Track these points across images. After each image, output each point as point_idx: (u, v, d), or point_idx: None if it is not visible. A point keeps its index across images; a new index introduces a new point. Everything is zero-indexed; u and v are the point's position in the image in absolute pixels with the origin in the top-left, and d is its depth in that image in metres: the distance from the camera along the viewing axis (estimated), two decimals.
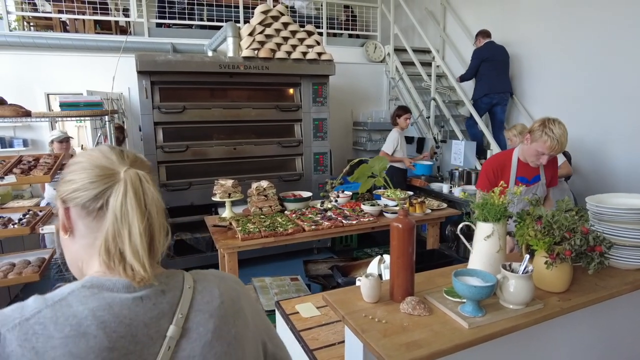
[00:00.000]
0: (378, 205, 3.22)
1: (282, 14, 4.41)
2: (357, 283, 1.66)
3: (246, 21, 4.92)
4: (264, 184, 3.24)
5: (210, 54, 5.01)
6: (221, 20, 5.53)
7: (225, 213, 3.14)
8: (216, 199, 3.13)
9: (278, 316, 1.93)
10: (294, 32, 4.44)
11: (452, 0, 6.13)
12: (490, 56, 4.89)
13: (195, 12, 5.69)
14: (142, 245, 0.70)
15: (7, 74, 4.60)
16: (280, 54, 4.26)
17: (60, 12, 5.18)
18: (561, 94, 4.50)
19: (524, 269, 1.33)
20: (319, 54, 4.44)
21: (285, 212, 3.23)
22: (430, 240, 3.42)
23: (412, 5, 6.32)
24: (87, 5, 5.10)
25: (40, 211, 2.97)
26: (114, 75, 3.92)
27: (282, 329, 1.88)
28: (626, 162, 3.91)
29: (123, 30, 5.64)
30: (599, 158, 4.14)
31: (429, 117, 5.40)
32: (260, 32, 4.26)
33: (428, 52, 6.12)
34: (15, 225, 2.58)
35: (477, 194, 2.48)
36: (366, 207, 3.16)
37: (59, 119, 3.14)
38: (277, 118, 4.53)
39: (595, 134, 4.14)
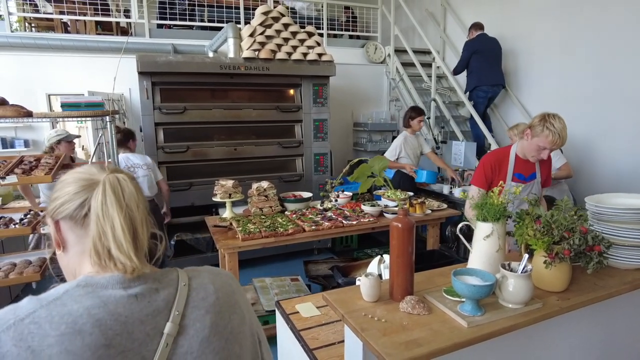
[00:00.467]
0: (378, 205, 3.23)
1: (283, 15, 4.43)
2: (357, 283, 1.66)
3: (247, 22, 4.93)
4: (265, 184, 3.25)
5: (210, 54, 5.02)
6: (222, 21, 5.55)
7: (226, 213, 3.14)
8: (217, 199, 3.15)
9: (278, 316, 1.93)
10: (294, 33, 4.45)
11: (452, 1, 6.13)
12: (481, 48, 4.86)
13: (196, 13, 5.71)
14: (126, 238, 0.72)
15: (9, 74, 4.61)
16: (280, 55, 4.27)
17: (61, 13, 5.20)
18: (561, 94, 4.51)
19: (523, 268, 1.33)
20: (320, 54, 4.45)
21: (286, 212, 3.24)
22: (430, 240, 3.42)
23: (412, 6, 6.32)
24: (88, 6, 5.11)
25: (41, 211, 2.97)
26: (115, 76, 3.92)
27: (282, 329, 1.89)
28: (626, 162, 3.91)
29: (124, 31, 5.66)
30: (599, 158, 4.15)
31: (429, 118, 5.40)
32: (261, 33, 4.28)
33: (428, 53, 6.12)
34: (17, 226, 2.59)
35: (470, 190, 2.40)
36: (366, 208, 3.16)
37: (60, 119, 3.14)
38: (277, 119, 4.54)
39: (594, 134, 4.15)
